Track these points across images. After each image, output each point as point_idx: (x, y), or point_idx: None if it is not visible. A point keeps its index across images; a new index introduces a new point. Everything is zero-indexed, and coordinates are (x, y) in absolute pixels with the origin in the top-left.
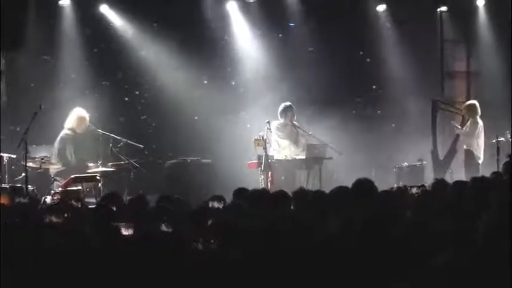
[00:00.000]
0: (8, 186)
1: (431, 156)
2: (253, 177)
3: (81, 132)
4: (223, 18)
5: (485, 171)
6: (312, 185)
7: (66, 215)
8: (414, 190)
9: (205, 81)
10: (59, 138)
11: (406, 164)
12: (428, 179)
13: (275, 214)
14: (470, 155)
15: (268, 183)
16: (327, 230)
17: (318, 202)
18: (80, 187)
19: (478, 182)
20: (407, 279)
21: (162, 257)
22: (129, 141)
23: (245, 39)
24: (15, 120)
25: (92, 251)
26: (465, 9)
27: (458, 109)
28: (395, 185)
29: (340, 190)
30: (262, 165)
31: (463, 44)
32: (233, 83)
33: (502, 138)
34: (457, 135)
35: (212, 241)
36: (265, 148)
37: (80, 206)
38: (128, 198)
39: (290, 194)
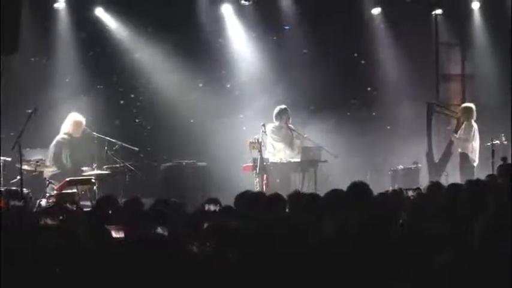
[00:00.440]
0: (3, 190)
1: (427, 159)
2: (248, 180)
3: (77, 136)
4: (218, 21)
5: (480, 174)
6: (307, 188)
7: (61, 217)
8: (410, 193)
9: (201, 84)
10: (55, 141)
11: (401, 166)
12: (424, 181)
13: (270, 217)
14: (465, 158)
15: (264, 186)
16: (322, 233)
17: (313, 205)
18: (75, 190)
19: (473, 185)
20: (406, 281)
21: (156, 260)
22: (124, 144)
23: (240, 42)
24: (9, 123)
25: (86, 254)
26: (460, 12)
27: (453, 112)
28: (390, 188)
29: (335, 193)
30: (258, 168)
31: (458, 47)
32: (228, 86)
33: (497, 141)
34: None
35: (208, 244)
36: (260, 151)
37: (75, 208)
38: (123, 200)
39: (285, 196)
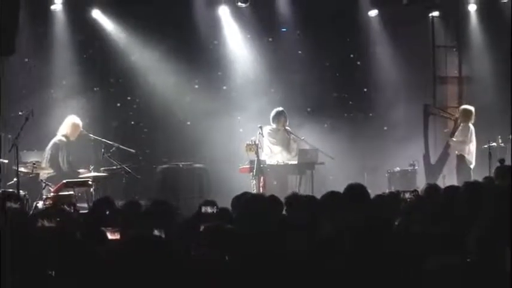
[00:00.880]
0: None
1: (423, 161)
2: (245, 182)
3: (74, 139)
4: (214, 23)
5: (477, 176)
6: (304, 190)
7: (58, 219)
8: (407, 195)
9: (197, 86)
10: (51, 143)
11: (398, 168)
12: (421, 184)
13: (267, 219)
14: (462, 159)
15: (261, 188)
16: (319, 235)
17: (310, 207)
18: (71, 192)
19: (471, 187)
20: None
21: (153, 262)
22: (121, 146)
23: (236, 43)
24: (6, 126)
25: (83, 256)
26: (457, 14)
27: (450, 114)
28: (387, 190)
29: (332, 195)
30: (254, 170)
31: (454, 49)
32: (225, 88)
33: (494, 144)
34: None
35: (205, 246)
36: (257, 153)
37: (72, 210)
38: (121, 203)
39: (282, 199)
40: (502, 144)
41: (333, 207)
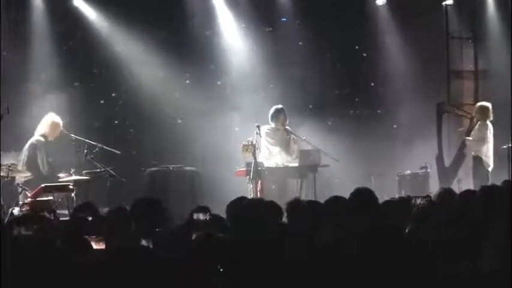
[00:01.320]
0: None
1: (437, 163)
2: (241, 187)
3: (54, 139)
4: (207, 12)
5: (496, 180)
6: (305, 195)
7: (36, 227)
8: (418, 201)
9: (188, 81)
10: (28, 144)
11: (408, 171)
12: (434, 188)
13: (266, 227)
14: (479, 161)
15: (258, 193)
16: (322, 245)
17: (313, 214)
18: (51, 197)
19: (487, 191)
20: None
21: (140, 274)
22: (105, 147)
23: (231, 34)
24: None
25: (65, 266)
26: (473, 2)
27: (465, 112)
28: (397, 195)
29: (337, 200)
30: (251, 174)
31: (470, 41)
32: (219, 83)
33: None
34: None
35: (197, 256)
36: (254, 155)
37: (52, 217)
38: (105, 209)
39: (282, 204)
40: None
41: (337, 214)
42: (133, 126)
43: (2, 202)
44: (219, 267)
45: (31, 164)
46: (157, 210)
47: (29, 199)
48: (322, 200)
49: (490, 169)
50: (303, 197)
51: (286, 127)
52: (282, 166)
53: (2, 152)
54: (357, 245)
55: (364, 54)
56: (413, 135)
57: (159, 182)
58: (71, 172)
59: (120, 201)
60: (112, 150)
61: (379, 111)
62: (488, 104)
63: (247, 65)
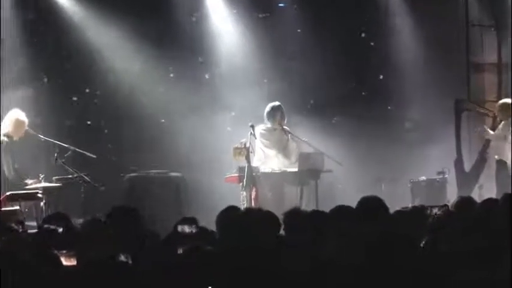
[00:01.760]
0: None
1: (455, 168)
2: (233, 195)
3: (19, 139)
4: None
5: None
6: (306, 205)
7: (3, 239)
8: (434, 211)
9: (172, 75)
10: None
11: (423, 177)
12: (452, 196)
13: (261, 240)
14: (503, 166)
15: (252, 202)
16: (325, 261)
17: (315, 226)
18: (17, 207)
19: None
20: None
21: None
22: (78, 150)
23: (221, 21)
24: None
25: (33, 283)
26: None
27: (487, 110)
28: (410, 205)
29: (342, 211)
30: (245, 180)
31: (493, 29)
32: (207, 77)
33: None
34: (487, 141)
35: (183, 274)
36: (247, 158)
37: (20, 229)
38: (78, 220)
39: (279, 215)
40: None
41: (343, 226)
42: (110, 127)
43: None
44: (207, 285)
45: None
46: (137, 222)
47: None
48: (325, 210)
49: None
50: (304, 207)
51: (284, 127)
52: (279, 171)
53: None
54: (365, 257)
55: (372, 43)
56: (429, 135)
57: (140, 189)
58: (40, 178)
59: (95, 212)
60: (86, 153)
61: (389, 107)
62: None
63: (239, 57)
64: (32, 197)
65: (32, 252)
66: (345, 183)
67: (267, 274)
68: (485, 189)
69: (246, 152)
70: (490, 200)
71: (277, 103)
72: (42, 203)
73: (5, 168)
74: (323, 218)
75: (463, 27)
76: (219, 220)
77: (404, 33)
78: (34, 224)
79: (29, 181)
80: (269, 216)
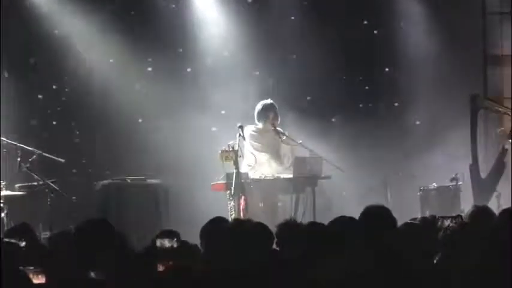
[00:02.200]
0: None
1: (471, 173)
2: (219, 205)
3: None
4: None
5: None
6: (302, 216)
7: None
8: (447, 222)
9: (150, 69)
10: None
11: (434, 184)
12: (467, 205)
13: (251, 256)
14: None
15: (241, 213)
16: (324, 278)
17: (312, 239)
18: None
19: None
20: None
21: None
22: (45, 154)
23: (205, 7)
24: None
25: None
26: None
27: (506, 108)
28: (419, 215)
29: (343, 222)
30: (232, 188)
31: None
32: (189, 70)
33: None
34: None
35: None
36: (236, 163)
37: None
38: (44, 234)
39: (272, 227)
40: None
41: (344, 240)
42: (81, 128)
43: None
44: None
45: None
46: (110, 235)
47: None
48: (324, 222)
49: None
50: (299, 218)
51: (277, 128)
52: (271, 178)
53: None
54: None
55: (375, 31)
56: (440, 137)
57: (114, 198)
58: (1, 186)
59: (64, 223)
60: (54, 157)
61: (395, 104)
62: None
63: (226, 48)
64: None
65: None
66: (346, 191)
67: None
68: (504, 198)
69: (234, 156)
70: (508, 210)
71: (269, 101)
72: (3, 214)
73: None
74: (321, 231)
75: (479, 14)
76: (204, 233)
77: (413, 21)
78: None
79: None
80: (260, 228)
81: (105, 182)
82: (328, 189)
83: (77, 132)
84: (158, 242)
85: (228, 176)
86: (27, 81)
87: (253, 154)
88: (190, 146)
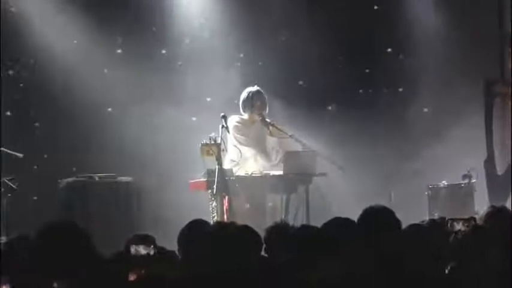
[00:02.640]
0: None
1: (486, 170)
2: (200, 205)
3: None
4: None
5: None
6: (294, 217)
7: None
8: (458, 225)
9: (120, 51)
10: None
11: (444, 182)
12: (481, 206)
13: (236, 263)
14: None
15: (225, 215)
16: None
17: (305, 244)
18: None
19: None
20: None
21: None
22: (1, 149)
23: None
24: None
25: None
26: None
27: None
28: (427, 217)
29: (340, 225)
30: (215, 186)
31: None
32: (164, 52)
33: None
34: None
35: None
36: (218, 159)
37: None
38: (0, 238)
39: (260, 231)
40: None
41: (341, 244)
42: (41, 118)
43: None
44: None
45: None
46: (76, 240)
47: None
48: (318, 224)
49: None
50: (291, 220)
51: (266, 119)
52: (259, 175)
53: None
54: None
55: (376, 7)
56: (451, 128)
57: (80, 198)
58: None
59: (22, 227)
60: (10, 152)
61: (400, 90)
62: None
63: (206, 27)
64: None
65: None
66: (343, 189)
67: None
68: None
69: (216, 150)
70: None
71: (255, 87)
72: None
73: None
74: (315, 235)
75: None
76: (182, 238)
77: (423, 4)
78: None
79: None
80: (247, 232)
81: (70, 179)
82: (323, 187)
83: (37, 124)
84: (132, 249)
85: (210, 173)
86: None
87: (237, 148)
88: (166, 138)
